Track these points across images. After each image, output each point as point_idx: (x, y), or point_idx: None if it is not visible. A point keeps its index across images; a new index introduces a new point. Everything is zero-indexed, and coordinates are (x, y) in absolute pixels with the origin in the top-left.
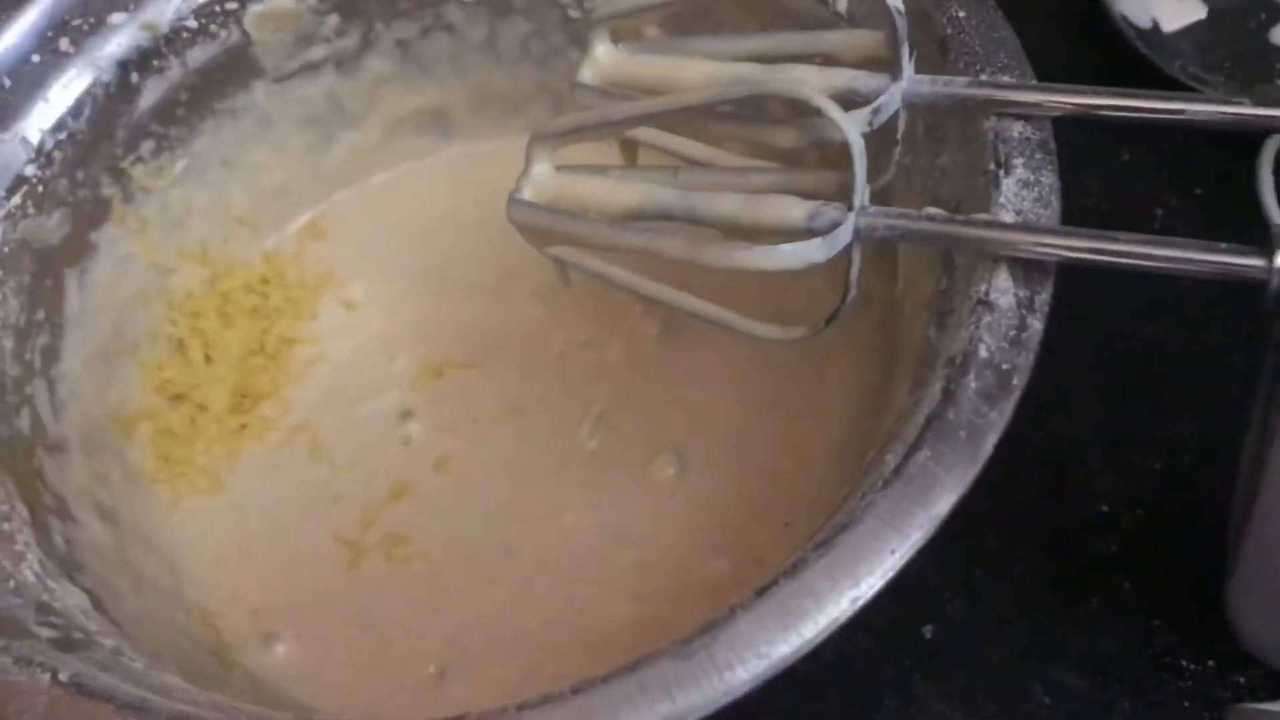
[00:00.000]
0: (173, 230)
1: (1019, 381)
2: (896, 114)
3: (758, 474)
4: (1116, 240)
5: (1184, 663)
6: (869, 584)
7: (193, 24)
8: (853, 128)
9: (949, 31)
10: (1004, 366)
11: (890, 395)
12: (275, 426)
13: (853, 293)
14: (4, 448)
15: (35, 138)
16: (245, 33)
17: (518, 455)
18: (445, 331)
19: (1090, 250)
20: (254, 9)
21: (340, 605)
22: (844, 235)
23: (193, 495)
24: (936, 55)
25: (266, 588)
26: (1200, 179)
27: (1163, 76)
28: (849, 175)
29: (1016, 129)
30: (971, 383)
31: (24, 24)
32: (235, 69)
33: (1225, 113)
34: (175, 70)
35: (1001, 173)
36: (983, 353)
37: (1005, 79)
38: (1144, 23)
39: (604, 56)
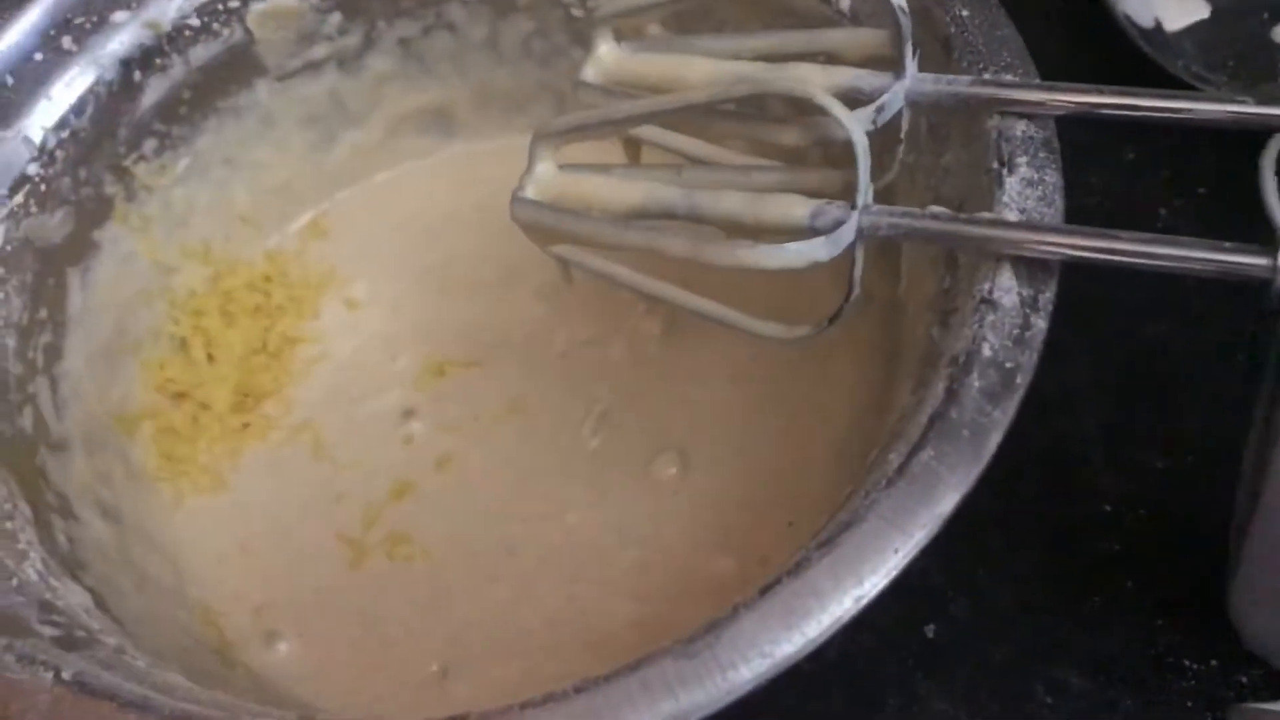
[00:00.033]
0: (175, 229)
1: (1022, 380)
2: (900, 113)
3: (760, 473)
4: (1120, 239)
5: (1187, 662)
6: (872, 583)
7: (195, 22)
8: (857, 126)
9: (952, 30)
10: (1007, 365)
11: (893, 394)
12: (277, 425)
13: (856, 291)
14: (7, 446)
15: (38, 136)
16: (248, 31)
17: (520, 454)
18: (447, 330)
19: (1093, 249)
20: (256, 7)
21: (342, 604)
22: (847, 234)
23: (195, 494)
24: (940, 54)
25: (269, 586)
26: (1203, 178)
27: (1166, 76)
28: (852, 174)
29: (1020, 128)
30: (975, 382)
31: (26, 22)
32: (238, 67)
33: (1228, 112)
34: (178, 68)
35: (1005, 171)
36: (986, 351)
37: (1009, 78)
38: (1147, 22)
39: (607, 55)
